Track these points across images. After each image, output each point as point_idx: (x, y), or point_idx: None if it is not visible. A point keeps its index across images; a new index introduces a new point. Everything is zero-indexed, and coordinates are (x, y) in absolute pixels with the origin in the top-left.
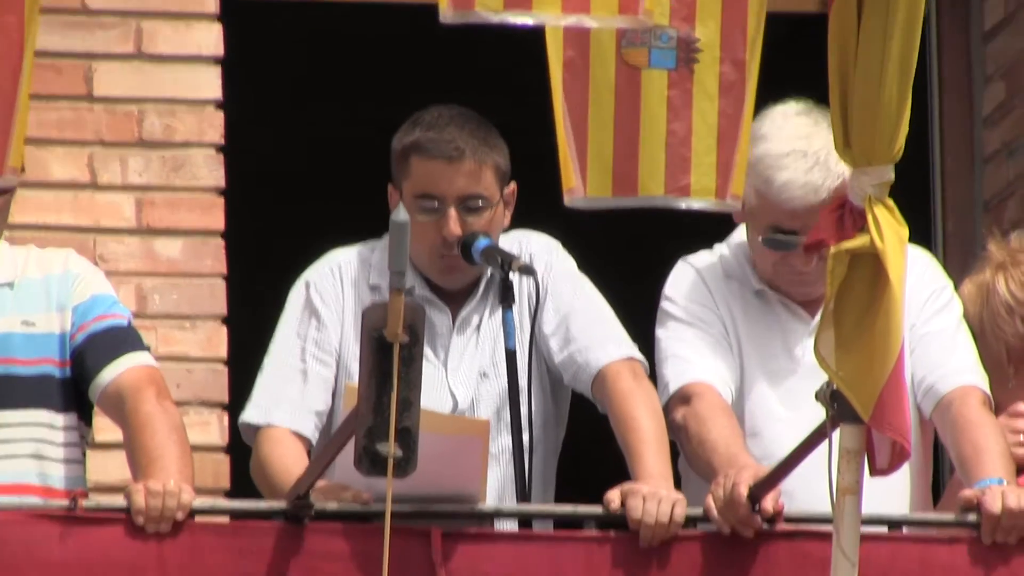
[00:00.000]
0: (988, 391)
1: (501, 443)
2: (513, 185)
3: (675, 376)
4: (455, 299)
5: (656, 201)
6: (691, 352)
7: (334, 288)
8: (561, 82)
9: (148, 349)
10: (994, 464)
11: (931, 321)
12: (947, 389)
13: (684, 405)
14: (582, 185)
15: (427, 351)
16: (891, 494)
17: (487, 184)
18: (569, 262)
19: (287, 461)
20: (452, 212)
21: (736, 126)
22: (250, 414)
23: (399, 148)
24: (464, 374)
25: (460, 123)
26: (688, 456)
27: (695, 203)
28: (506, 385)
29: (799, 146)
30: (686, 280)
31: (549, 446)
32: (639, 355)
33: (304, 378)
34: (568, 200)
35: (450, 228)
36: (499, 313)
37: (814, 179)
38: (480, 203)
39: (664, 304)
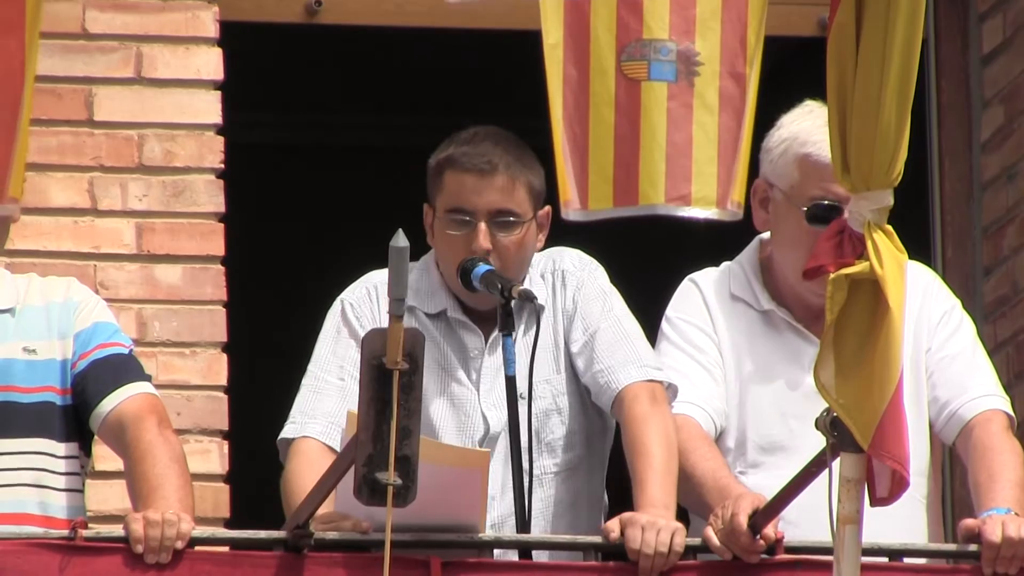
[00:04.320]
0: (1011, 412)
1: (543, 464)
2: (547, 208)
3: None
4: (487, 321)
5: (657, 209)
6: (678, 383)
7: (370, 309)
8: (561, 98)
9: (150, 378)
10: (1005, 493)
11: (948, 344)
12: (971, 415)
13: None
14: (578, 198)
15: (460, 374)
16: (905, 522)
17: (519, 200)
18: (602, 278)
19: (307, 480)
20: (482, 226)
21: (737, 138)
22: (287, 430)
23: (434, 164)
24: (496, 396)
25: (495, 139)
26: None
27: (697, 212)
28: (546, 407)
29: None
30: (688, 302)
31: (595, 461)
32: (662, 377)
33: (342, 395)
34: (564, 213)
35: (479, 242)
36: (531, 333)
37: None
38: (511, 219)
39: (664, 325)
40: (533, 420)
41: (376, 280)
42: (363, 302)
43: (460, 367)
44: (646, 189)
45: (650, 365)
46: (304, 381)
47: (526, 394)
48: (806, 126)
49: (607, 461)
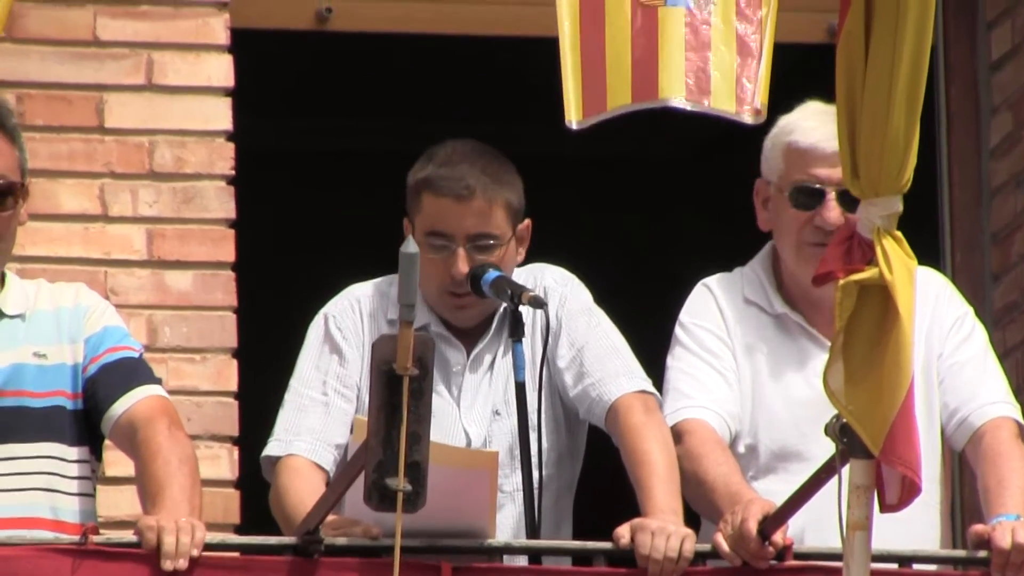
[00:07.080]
0: (1021, 420)
1: (515, 481)
2: (527, 221)
3: (671, 412)
4: (469, 336)
5: (675, 103)
6: (691, 387)
7: (353, 323)
8: (576, 26)
9: (160, 381)
10: (1014, 500)
11: (959, 350)
12: (981, 422)
13: (677, 443)
14: (593, 103)
15: (441, 388)
16: (920, 528)
17: (497, 223)
18: (584, 295)
19: (303, 493)
20: (461, 251)
21: (759, 42)
22: (271, 448)
23: (412, 183)
24: (478, 412)
25: (472, 159)
26: (686, 495)
27: (715, 110)
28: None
29: (822, 112)
30: (702, 306)
31: (564, 481)
32: (652, 388)
33: (326, 410)
34: (569, 124)
35: (458, 267)
36: (509, 355)
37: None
38: (490, 242)
39: (677, 330)
40: (507, 436)
41: (359, 293)
42: (346, 314)
43: (441, 382)
44: (665, 85)
45: (640, 376)
46: (287, 397)
47: (501, 410)
48: (792, 117)
49: (575, 485)
